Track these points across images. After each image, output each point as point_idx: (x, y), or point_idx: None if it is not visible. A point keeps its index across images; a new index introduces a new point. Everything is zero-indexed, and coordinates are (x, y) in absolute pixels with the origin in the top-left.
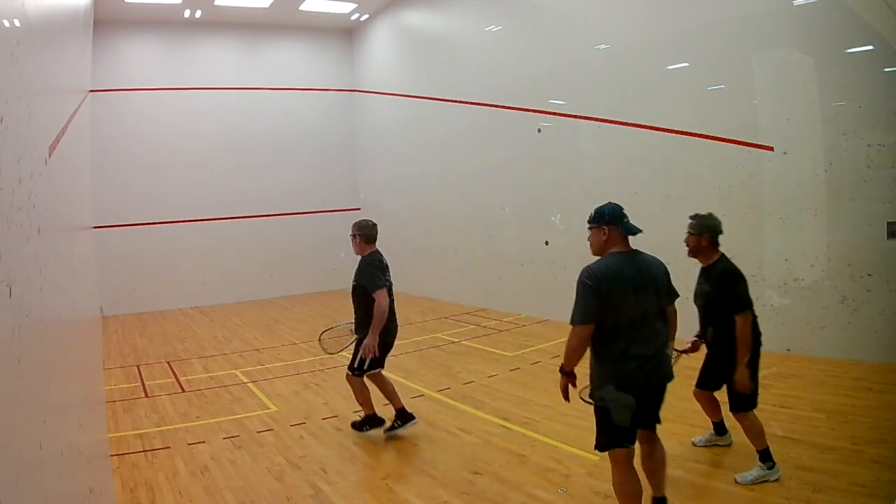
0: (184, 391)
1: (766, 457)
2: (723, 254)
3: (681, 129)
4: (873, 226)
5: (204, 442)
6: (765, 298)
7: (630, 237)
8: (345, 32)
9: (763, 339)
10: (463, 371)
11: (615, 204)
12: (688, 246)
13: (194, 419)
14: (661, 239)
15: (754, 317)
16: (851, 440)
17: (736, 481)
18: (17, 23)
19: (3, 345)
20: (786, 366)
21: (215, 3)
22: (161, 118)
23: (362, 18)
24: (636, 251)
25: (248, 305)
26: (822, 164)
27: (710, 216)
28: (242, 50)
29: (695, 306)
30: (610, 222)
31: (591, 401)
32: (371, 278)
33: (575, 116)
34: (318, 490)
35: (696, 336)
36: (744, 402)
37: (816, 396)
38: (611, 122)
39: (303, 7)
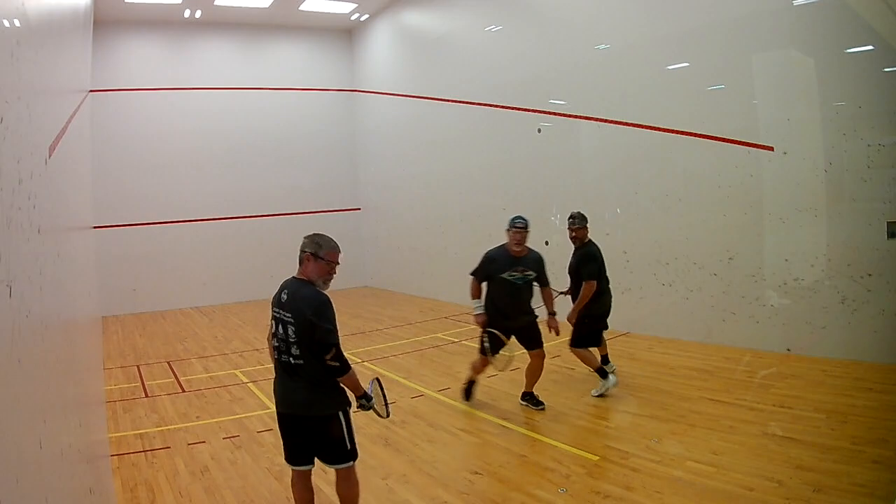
0: (184, 391)
1: (601, 373)
2: (590, 239)
3: (681, 129)
4: (873, 226)
5: (204, 442)
6: (765, 298)
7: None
8: (345, 32)
9: (763, 338)
10: (463, 371)
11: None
12: (577, 237)
13: (194, 419)
14: (662, 237)
15: (602, 289)
16: (851, 440)
17: (592, 395)
18: (17, 23)
19: (3, 345)
20: (786, 366)
21: (215, 3)
22: (161, 118)
23: (362, 18)
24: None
25: (248, 305)
26: (822, 164)
27: (581, 213)
28: (242, 50)
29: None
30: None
31: None
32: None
33: (575, 116)
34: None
35: (565, 291)
36: (574, 340)
37: (816, 396)
38: (611, 122)
39: (303, 7)
